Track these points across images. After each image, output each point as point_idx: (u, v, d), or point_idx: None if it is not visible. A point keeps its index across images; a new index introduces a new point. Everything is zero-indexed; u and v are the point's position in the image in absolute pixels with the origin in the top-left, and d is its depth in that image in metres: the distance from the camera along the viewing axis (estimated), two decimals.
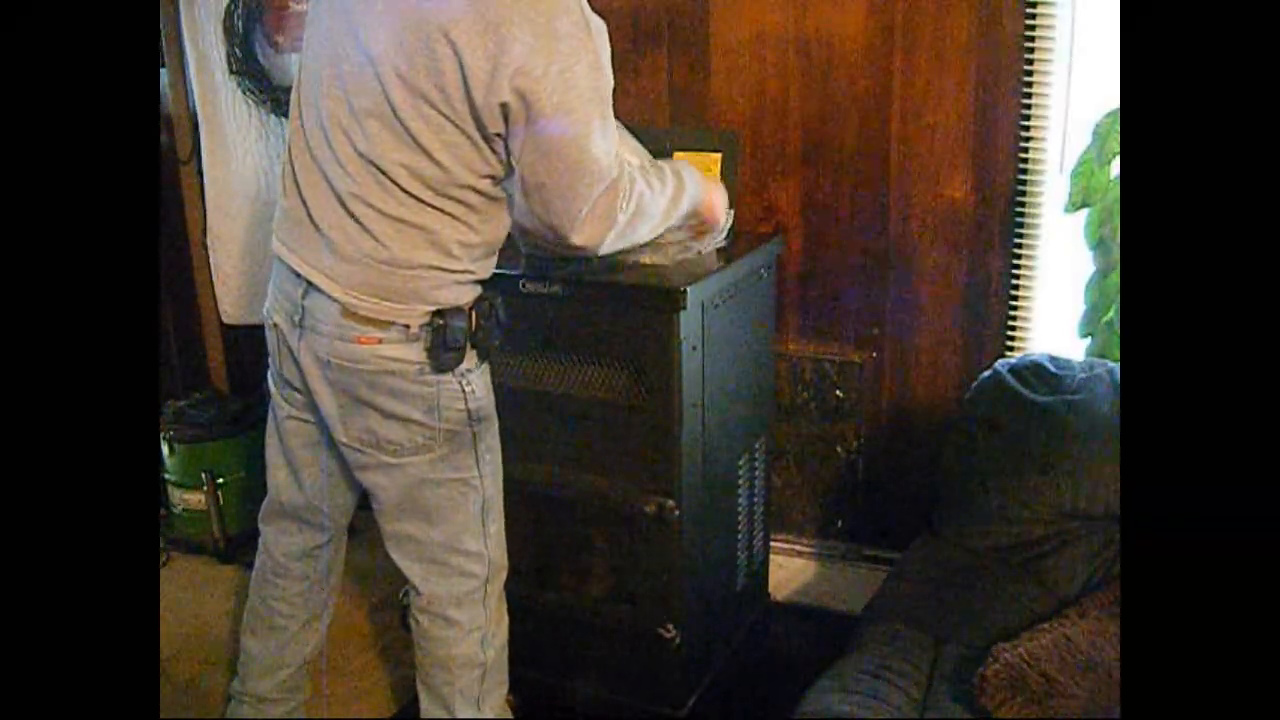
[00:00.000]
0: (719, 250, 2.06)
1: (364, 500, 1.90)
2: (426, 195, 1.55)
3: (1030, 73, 2.12)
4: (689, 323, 1.85)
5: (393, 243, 1.56)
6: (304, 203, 1.62)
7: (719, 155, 2.22)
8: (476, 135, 1.53)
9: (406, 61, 1.49)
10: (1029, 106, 2.13)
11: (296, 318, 1.64)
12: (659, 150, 2.09)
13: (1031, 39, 2.10)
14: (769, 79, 2.28)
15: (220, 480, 2.68)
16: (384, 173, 1.54)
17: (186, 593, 2.58)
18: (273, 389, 1.80)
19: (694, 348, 1.88)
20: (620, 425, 1.93)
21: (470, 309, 1.65)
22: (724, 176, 2.21)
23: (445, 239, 1.58)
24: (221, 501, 2.69)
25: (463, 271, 1.63)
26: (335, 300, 1.59)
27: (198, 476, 2.67)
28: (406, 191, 1.54)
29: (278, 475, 1.86)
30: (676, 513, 1.91)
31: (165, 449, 2.69)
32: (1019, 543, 1.88)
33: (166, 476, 2.73)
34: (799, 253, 2.36)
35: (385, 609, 2.47)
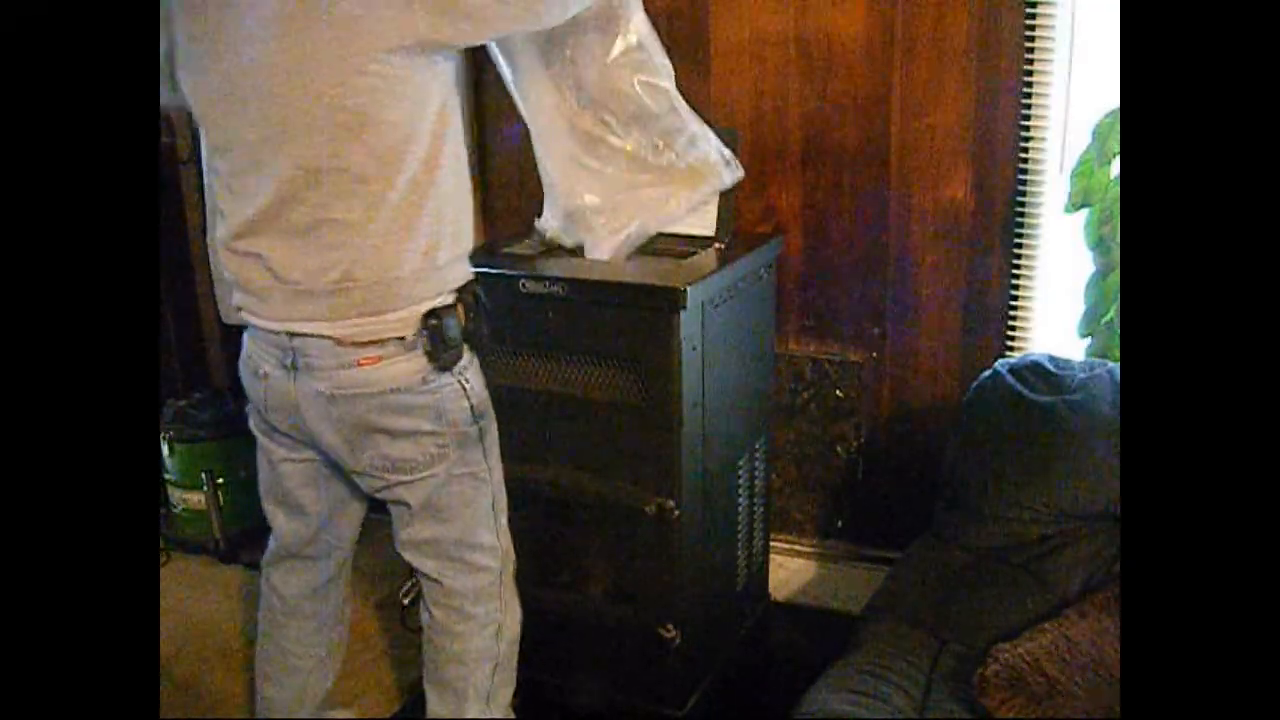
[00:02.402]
0: (719, 250, 2.06)
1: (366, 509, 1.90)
2: (378, 169, 1.50)
3: (1030, 73, 2.12)
4: (689, 323, 1.85)
5: (363, 253, 1.53)
6: (261, 260, 1.57)
7: None
8: (404, 67, 1.49)
9: (309, 51, 1.45)
10: (1029, 106, 2.13)
11: (289, 361, 1.60)
12: None
13: (1031, 39, 2.10)
14: (769, 79, 2.28)
15: (220, 480, 2.69)
16: (337, 169, 1.49)
17: (186, 593, 2.58)
18: (259, 435, 1.76)
19: (694, 348, 1.88)
20: (620, 425, 1.93)
21: (457, 303, 1.64)
22: None
23: (408, 219, 1.54)
24: (221, 501, 2.69)
25: (435, 253, 1.58)
26: (327, 337, 1.56)
27: (198, 476, 2.67)
28: (359, 176, 1.50)
29: (277, 519, 1.82)
30: (676, 513, 1.91)
31: (165, 449, 2.69)
32: (1019, 543, 1.88)
33: (166, 476, 2.73)
34: (799, 253, 2.36)
35: (386, 609, 2.47)
